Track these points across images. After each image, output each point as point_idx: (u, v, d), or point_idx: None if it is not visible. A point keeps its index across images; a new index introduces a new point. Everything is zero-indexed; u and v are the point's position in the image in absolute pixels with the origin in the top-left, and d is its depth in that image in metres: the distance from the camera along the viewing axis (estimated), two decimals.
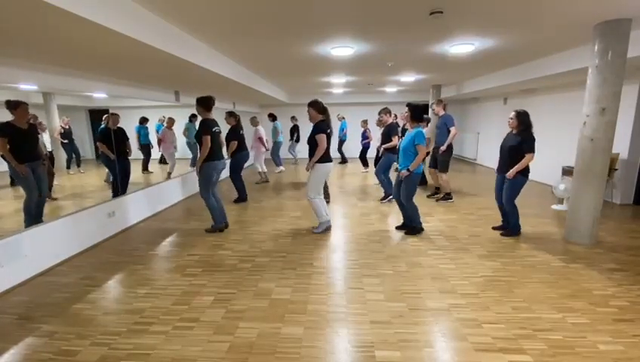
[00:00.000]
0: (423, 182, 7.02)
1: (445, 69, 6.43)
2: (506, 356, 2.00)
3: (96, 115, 5.58)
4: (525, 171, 3.79)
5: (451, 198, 5.69)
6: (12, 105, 3.40)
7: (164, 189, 5.56)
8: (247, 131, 7.93)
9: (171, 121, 6.64)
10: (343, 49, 4.55)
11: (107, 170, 4.88)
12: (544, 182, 7.14)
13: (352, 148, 10.55)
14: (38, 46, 2.79)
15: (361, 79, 7.92)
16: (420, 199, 5.77)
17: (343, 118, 10.34)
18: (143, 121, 6.56)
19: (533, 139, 3.72)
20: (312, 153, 3.95)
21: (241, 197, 5.95)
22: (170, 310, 2.54)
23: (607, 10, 3.12)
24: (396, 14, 3.22)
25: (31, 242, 3.10)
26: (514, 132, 3.86)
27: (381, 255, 3.53)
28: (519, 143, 3.74)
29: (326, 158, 3.99)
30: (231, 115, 5.84)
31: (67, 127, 4.81)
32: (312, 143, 3.92)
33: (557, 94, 6.93)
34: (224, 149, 4.72)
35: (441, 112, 5.75)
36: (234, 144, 5.72)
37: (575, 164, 3.79)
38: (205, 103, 4.04)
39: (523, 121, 3.74)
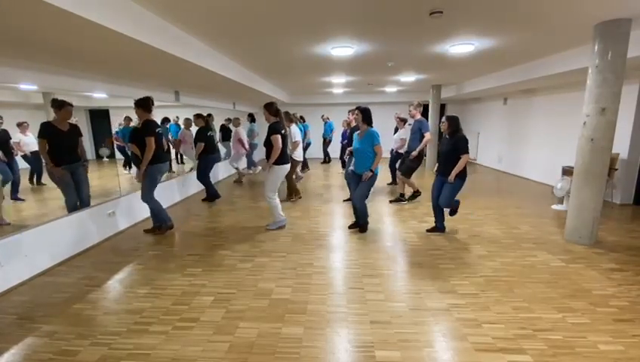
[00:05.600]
0: (393, 182, 6.90)
1: (445, 68, 6.43)
2: (506, 356, 2.00)
3: (96, 115, 5.58)
4: (462, 174, 3.83)
5: (419, 194, 5.69)
6: (57, 105, 3.31)
7: (163, 190, 5.55)
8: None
9: (188, 122, 6.51)
10: (343, 49, 4.56)
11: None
12: (544, 182, 7.14)
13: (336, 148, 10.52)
14: (38, 46, 2.79)
15: (361, 79, 7.92)
16: (409, 202, 5.77)
17: (328, 118, 10.25)
18: (164, 121, 6.52)
19: (466, 141, 3.80)
20: (268, 154, 4.03)
21: (212, 194, 5.82)
22: (170, 310, 2.54)
23: (607, 10, 3.12)
24: (396, 14, 3.22)
25: (31, 242, 3.10)
26: (447, 135, 3.93)
27: (381, 255, 3.53)
28: (454, 146, 3.81)
29: (283, 160, 4.07)
30: (198, 116, 5.67)
31: None
32: (268, 145, 4.01)
33: (557, 94, 6.93)
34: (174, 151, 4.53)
35: (417, 116, 5.48)
36: (200, 146, 5.55)
37: (575, 164, 3.79)
38: (145, 104, 3.84)
39: (452, 123, 3.85)
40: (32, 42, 2.67)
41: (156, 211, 4.13)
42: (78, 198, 3.69)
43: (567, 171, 5.21)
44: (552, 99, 7.13)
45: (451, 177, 3.79)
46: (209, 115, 7.16)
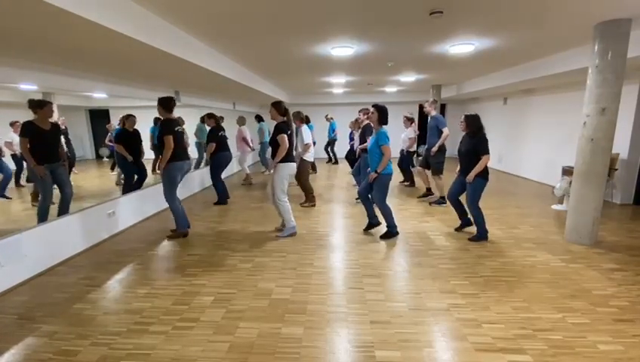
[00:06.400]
0: (411, 183, 7.00)
1: (445, 68, 6.43)
2: (506, 356, 2.00)
3: (96, 115, 5.59)
4: (484, 173, 3.77)
5: (444, 203, 5.36)
6: (36, 105, 3.30)
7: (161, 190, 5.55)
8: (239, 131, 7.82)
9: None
10: (343, 49, 4.56)
11: (121, 172, 4.83)
12: (544, 182, 7.14)
13: (340, 148, 10.62)
14: (39, 46, 2.79)
15: (361, 79, 7.93)
16: (412, 201, 5.79)
17: (332, 118, 10.23)
18: (158, 121, 6.54)
19: (486, 141, 3.76)
20: (274, 154, 3.97)
21: (221, 200, 5.77)
22: (170, 310, 2.54)
23: (607, 10, 3.12)
24: (396, 14, 3.22)
25: (31, 242, 3.10)
26: (467, 135, 3.89)
27: (381, 255, 3.53)
28: (474, 146, 3.77)
29: (288, 158, 3.98)
30: (210, 116, 5.72)
31: (63, 127, 4.82)
32: (275, 144, 3.95)
33: (557, 94, 6.93)
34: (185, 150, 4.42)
35: (433, 113, 5.62)
36: (212, 146, 5.57)
37: (575, 164, 3.79)
38: (165, 104, 3.90)
39: (471, 123, 3.79)
40: (32, 42, 2.67)
41: (175, 212, 4.07)
42: (58, 198, 3.64)
43: (567, 171, 5.21)
44: (552, 99, 7.13)
45: (470, 177, 3.75)
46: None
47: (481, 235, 3.91)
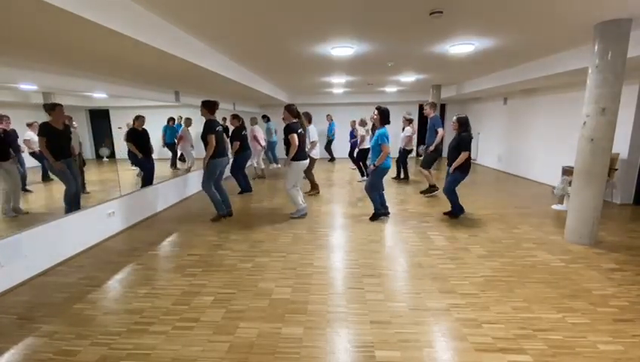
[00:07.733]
0: (405, 177, 7.50)
1: (445, 69, 6.43)
2: (506, 356, 2.00)
3: (96, 115, 5.61)
4: (465, 168, 4.47)
5: (436, 190, 6.04)
6: (49, 108, 3.66)
7: (163, 190, 5.56)
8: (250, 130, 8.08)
9: (189, 121, 7.04)
10: (343, 49, 4.55)
11: (137, 167, 5.44)
12: (544, 182, 7.14)
13: (339, 147, 11.04)
14: (39, 46, 2.79)
15: (361, 79, 7.92)
16: (412, 202, 5.80)
17: (332, 119, 10.74)
18: (170, 121, 7.08)
19: (469, 140, 4.43)
20: (288, 152, 4.51)
21: (245, 189, 6.40)
22: (170, 310, 2.54)
23: (607, 10, 3.12)
24: (396, 14, 3.22)
25: (31, 242, 3.10)
26: (456, 134, 4.55)
27: (381, 255, 3.53)
28: (457, 144, 4.45)
29: (301, 156, 4.54)
30: (235, 117, 6.28)
31: (76, 124, 4.90)
32: (288, 143, 4.47)
33: (557, 94, 6.93)
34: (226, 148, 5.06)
35: (431, 114, 6.09)
36: (237, 144, 6.12)
37: (575, 164, 3.79)
38: (210, 106, 4.41)
39: (462, 124, 4.44)
40: (32, 42, 2.66)
41: (213, 199, 4.61)
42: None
43: (567, 171, 5.21)
44: (552, 99, 7.12)
45: (452, 169, 4.48)
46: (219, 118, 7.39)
47: (455, 212, 4.67)
